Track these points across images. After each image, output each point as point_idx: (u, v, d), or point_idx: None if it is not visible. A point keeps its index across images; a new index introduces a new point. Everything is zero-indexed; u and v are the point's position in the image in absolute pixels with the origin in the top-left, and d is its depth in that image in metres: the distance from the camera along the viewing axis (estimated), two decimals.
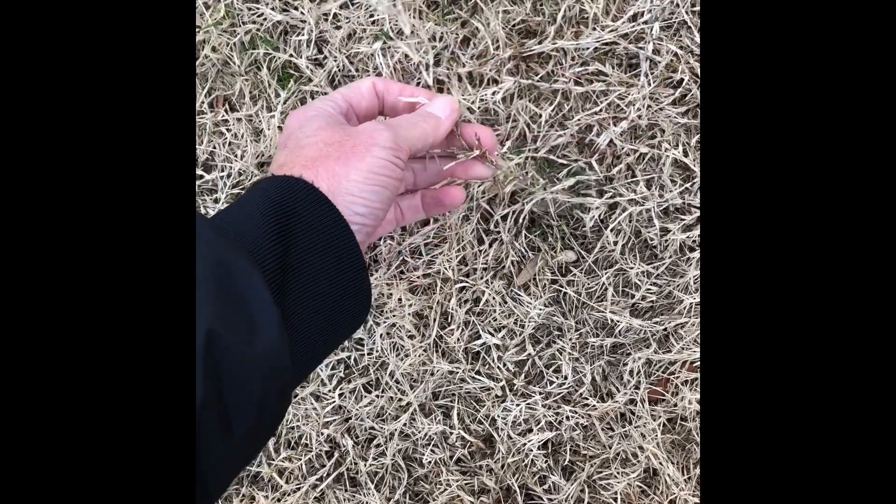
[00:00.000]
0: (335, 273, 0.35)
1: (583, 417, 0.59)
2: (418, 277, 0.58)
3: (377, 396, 0.60)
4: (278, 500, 0.63)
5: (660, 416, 0.59)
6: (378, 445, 0.61)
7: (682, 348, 0.58)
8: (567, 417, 0.59)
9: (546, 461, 0.60)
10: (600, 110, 0.53)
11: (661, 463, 0.59)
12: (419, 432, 0.60)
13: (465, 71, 0.53)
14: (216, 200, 0.57)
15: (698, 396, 0.57)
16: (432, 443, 0.61)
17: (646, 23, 0.51)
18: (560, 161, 0.54)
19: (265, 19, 0.54)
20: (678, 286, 0.56)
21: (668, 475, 0.59)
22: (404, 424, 0.60)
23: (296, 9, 0.54)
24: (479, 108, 0.53)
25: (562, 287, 0.57)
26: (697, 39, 0.51)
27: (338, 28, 0.54)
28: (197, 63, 0.56)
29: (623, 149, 0.54)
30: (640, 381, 0.59)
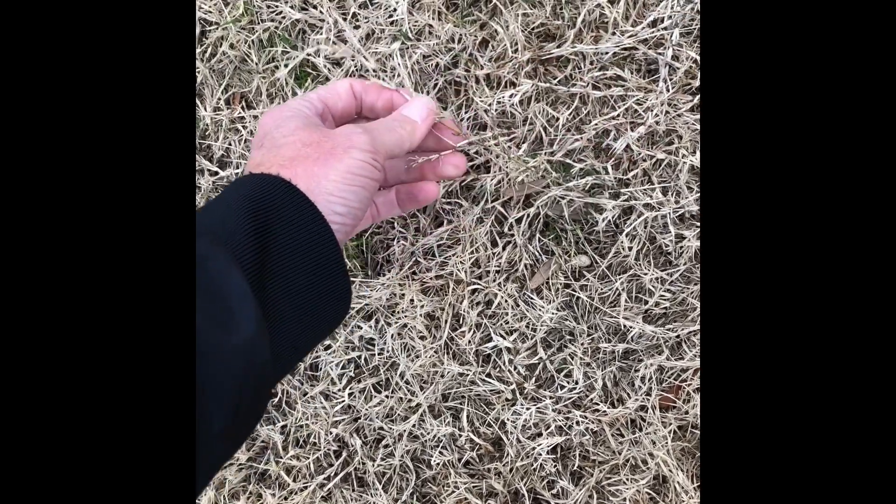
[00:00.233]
0: (314, 270, 0.35)
1: (593, 423, 0.59)
2: (431, 278, 0.57)
3: (387, 397, 0.60)
4: (285, 499, 0.63)
5: (670, 424, 0.59)
6: (386, 446, 0.61)
7: (695, 356, 0.57)
8: (577, 422, 0.59)
9: (555, 466, 0.60)
10: (618, 115, 0.53)
11: (670, 470, 0.59)
12: (428, 434, 0.60)
13: (483, 73, 0.53)
14: None
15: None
16: (441, 444, 0.61)
17: (665, 28, 0.51)
18: (576, 165, 0.54)
19: (284, 17, 0.54)
20: (692, 293, 0.56)
21: (678, 483, 0.59)
22: (413, 425, 0.60)
23: (315, 7, 0.54)
24: (496, 110, 0.53)
25: (575, 291, 0.57)
26: None
27: (356, 27, 0.54)
28: (214, 60, 0.56)
29: (640, 154, 0.53)
30: (652, 388, 0.58)
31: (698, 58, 0.51)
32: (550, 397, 0.59)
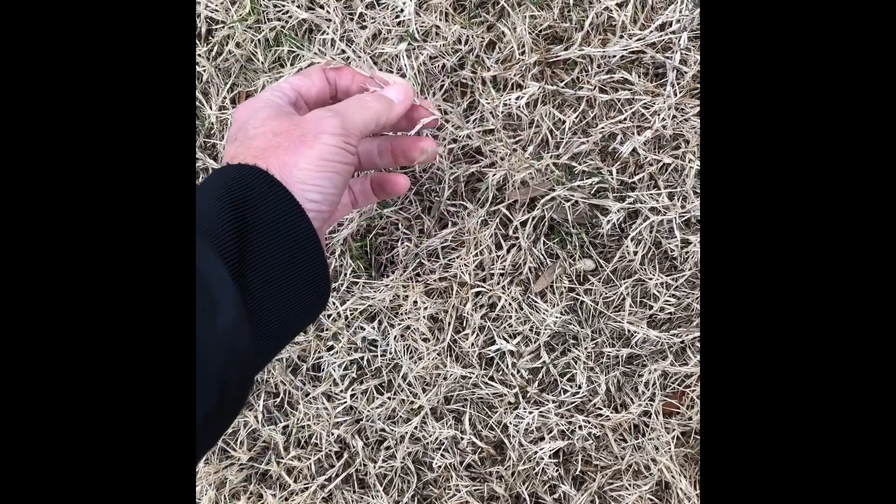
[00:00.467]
0: (292, 259, 0.35)
1: (596, 427, 0.59)
2: (435, 280, 0.57)
3: (389, 398, 0.60)
4: (286, 499, 0.63)
5: (674, 429, 0.59)
6: (388, 448, 0.61)
7: (699, 362, 0.57)
8: (580, 427, 0.59)
9: (557, 470, 0.60)
10: (625, 119, 0.52)
11: (673, 476, 0.59)
12: (430, 436, 0.60)
13: (489, 75, 0.52)
14: None
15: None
16: (443, 447, 0.61)
17: (674, 32, 0.51)
18: (581, 167, 0.54)
19: (290, 17, 0.54)
20: (697, 299, 0.56)
21: (681, 489, 0.59)
22: (415, 428, 0.60)
23: (321, 7, 0.54)
24: (502, 112, 0.53)
25: (579, 296, 0.57)
26: None
27: (363, 28, 0.53)
28: (220, 58, 0.56)
29: (646, 158, 0.53)
30: (656, 393, 0.58)
31: None
32: (553, 401, 0.59)
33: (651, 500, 0.60)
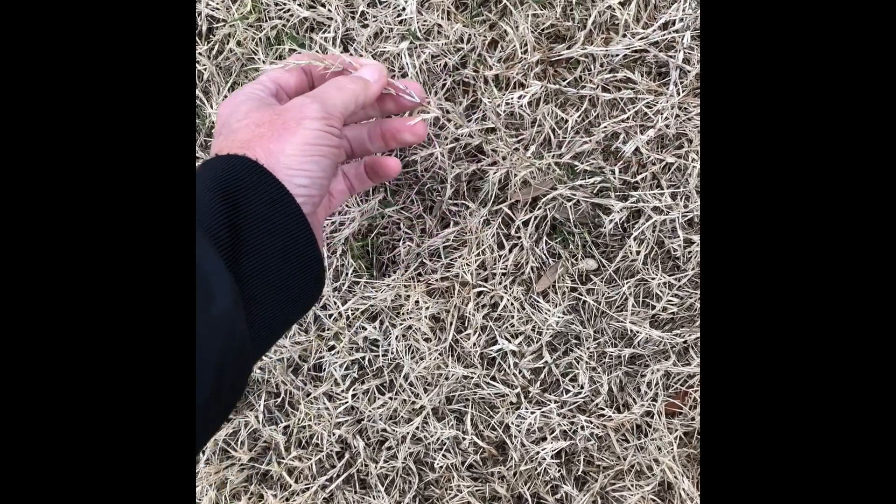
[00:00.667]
0: (284, 245, 0.35)
1: (598, 428, 0.59)
2: (436, 280, 0.57)
3: (390, 398, 0.60)
4: (287, 500, 0.62)
5: (676, 430, 0.58)
6: (389, 448, 0.61)
7: (700, 363, 0.57)
8: (582, 427, 0.59)
9: (559, 470, 0.60)
10: (627, 118, 0.52)
11: (676, 477, 0.58)
12: (431, 436, 0.60)
13: (492, 74, 0.52)
14: None
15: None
16: (444, 447, 0.60)
17: (677, 31, 0.51)
18: (584, 167, 0.53)
19: (292, 15, 0.54)
20: (700, 298, 0.55)
21: (683, 489, 0.58)
22: (417, 428, 0.60)
23: (323, 5, 0.53)
24: (504, 111, 0.52)
25: (581, 295, 0.56)
26: None
27: (364, 26, 0.53)
28: (221, 57, 0.56)
29: (649, 158, 0.53)
30: (658, 394, 0.58)
31: None
32: (555, 401, 0.58)
33: (653, 500, 0.59)
